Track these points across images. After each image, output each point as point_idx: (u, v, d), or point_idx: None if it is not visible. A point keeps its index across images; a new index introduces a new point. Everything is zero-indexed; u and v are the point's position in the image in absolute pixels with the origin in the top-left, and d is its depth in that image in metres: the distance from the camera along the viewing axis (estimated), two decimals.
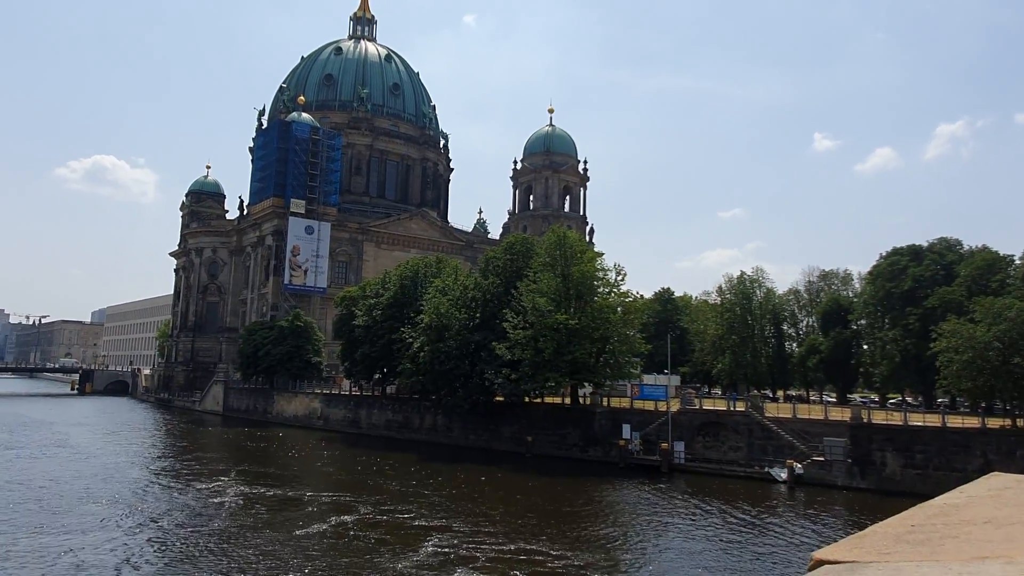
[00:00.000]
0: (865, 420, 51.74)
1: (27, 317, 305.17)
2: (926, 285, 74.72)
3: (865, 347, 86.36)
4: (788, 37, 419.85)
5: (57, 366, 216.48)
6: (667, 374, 68.17)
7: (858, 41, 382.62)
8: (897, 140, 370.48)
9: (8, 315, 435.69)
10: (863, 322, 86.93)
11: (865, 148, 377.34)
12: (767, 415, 56.74)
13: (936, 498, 3.70)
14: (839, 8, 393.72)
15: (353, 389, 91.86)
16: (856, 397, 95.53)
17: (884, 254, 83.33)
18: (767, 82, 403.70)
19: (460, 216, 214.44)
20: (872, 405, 72.38)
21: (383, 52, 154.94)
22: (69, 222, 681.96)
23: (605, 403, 64.80)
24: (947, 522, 3.07)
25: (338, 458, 64.47)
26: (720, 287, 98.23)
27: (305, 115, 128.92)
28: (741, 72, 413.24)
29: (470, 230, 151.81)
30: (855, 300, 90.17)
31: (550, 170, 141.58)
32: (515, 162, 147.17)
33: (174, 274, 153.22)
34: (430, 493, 46.12)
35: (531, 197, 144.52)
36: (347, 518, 37.74)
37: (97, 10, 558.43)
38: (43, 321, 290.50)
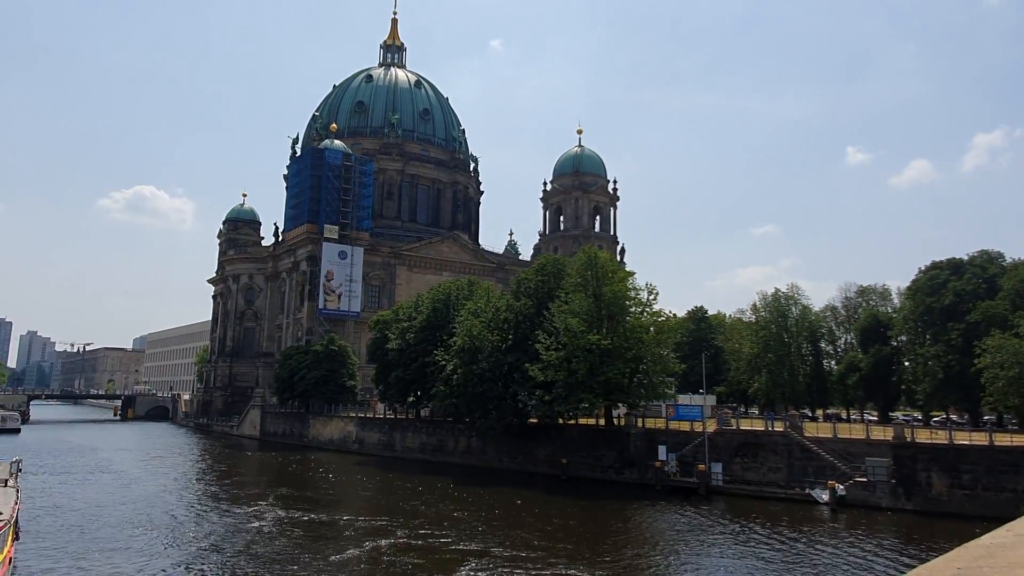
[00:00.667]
0: (909, 439, 50.42)
1: (71, 345, 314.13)
2: (968, 299, 72.98)
3: (906, 364, 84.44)
4: (816, 51, 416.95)
5: (101, 392, 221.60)
6: (702, 394, 67.44)
7: (888, 53, 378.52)
8: (933, 152, 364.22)
9: (54, 343, 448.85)
10: (903, 338, 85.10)
11: (900, 161, 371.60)
12: (806, 435, 55.62)
13: (982, 537, 3.68)
14: (868, 21, 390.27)
15: (387, 412, 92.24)
16: (898, 415, 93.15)
17: (923, 268, 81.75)
18: (796, 97, 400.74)
19: (491, 238, 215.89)
20: (915, 423, 70.56)
21: (413, 78, 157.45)
22: (111, 251, 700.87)
23: (640, 424, 64.04)
24: (994, 564, 3.03)
25: (374, 482, 64.72)
26: (755, 305, 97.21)
27: (337, 142, 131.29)
28: (770, 88, 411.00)
29: (501, 252, 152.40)
30: (894, 316, 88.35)
31: (580, 191, 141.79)
32: (545, 183, 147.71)
33: (212, 300, 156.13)
34: (466, 516, 46.02)
35: (561, 218, 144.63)
36: (383, 542, 37.84)
37: (136, 47, 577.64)
38: (87, 349, 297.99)
